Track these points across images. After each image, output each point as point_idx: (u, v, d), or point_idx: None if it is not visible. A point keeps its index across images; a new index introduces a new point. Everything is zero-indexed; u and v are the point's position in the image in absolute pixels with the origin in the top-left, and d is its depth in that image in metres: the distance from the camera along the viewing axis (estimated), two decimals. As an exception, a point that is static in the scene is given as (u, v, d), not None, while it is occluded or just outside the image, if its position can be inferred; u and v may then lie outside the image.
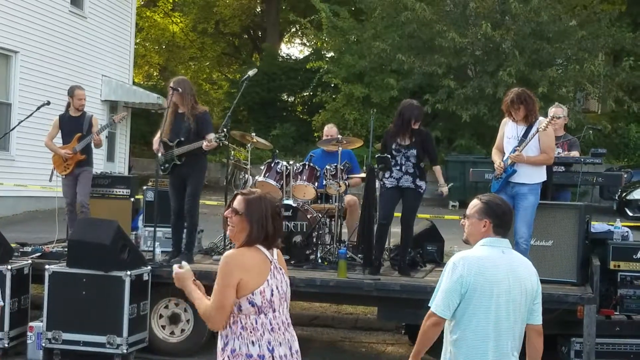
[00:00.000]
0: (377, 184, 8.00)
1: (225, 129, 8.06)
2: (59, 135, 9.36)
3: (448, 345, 3.86)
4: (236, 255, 3.65)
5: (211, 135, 7.96)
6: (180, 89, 7.99)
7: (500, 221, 3.92)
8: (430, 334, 3.83)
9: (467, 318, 3.77)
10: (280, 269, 3.75)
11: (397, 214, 8.05)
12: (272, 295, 3.65)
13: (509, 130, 7.35)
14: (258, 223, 3.66)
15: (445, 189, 8.18)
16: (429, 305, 3.86)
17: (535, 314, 3.93)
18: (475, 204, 3.98)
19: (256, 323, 3.63)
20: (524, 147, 7.16)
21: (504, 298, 3.78)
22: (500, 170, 7.28)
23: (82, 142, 9.06)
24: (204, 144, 7.92)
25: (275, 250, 3.78)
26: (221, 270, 3.60)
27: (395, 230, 8.31)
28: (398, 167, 7.81)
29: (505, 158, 7.32)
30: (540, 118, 7.31)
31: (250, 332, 3.62)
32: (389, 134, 7.96)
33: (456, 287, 3.76)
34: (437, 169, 8.19)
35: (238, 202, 3.71)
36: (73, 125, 9.17)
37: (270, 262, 3.70)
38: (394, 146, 7.83)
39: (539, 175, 7.31)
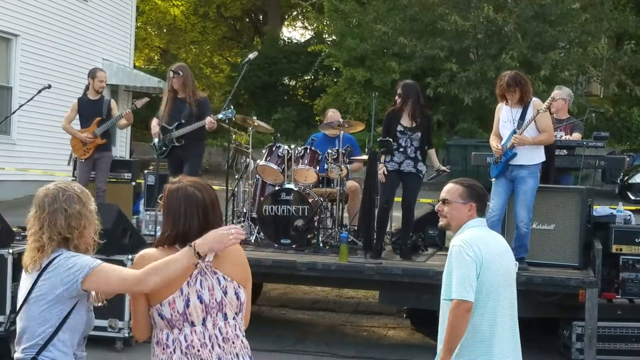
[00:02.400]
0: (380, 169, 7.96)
1: (230, 107, 8.22)
2: (75, 118, 9.34)
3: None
4: (142, 256, 3.19)
5: (218, 115, 8.17)
6: (182, 74, 8.11)
7: (483, 204, 3.98)
8: (464, 323, 3.72)
9: (484, 297, 3.75)
10: (216, 273, 3.17)
11: (398, 199, 8.04)
12: (187, 307, 3.11)
13: (504, 115, 7.32)
14: (169, 219, 3.19)
15: (446, 167, 8.22)
16: (445, 298, 3.80)
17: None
18: (455, 188, 3.96)
19: (167, 339, 3.15)
20: (524, 129, 7.12)
21: (505, 270, 3.83)
22: (499, 153, 7.25)
23: (102, 126, 9.09)
24: (208, 120, 8.07)
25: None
26: None
27: (397, 214, 8.30)
28: (402, 150, 7.78)
29: (503, 142, 7.29)
30: (535, 99, 7.27)
31: (163, 349, 3.16)
32: (390, 116, 7.91)
33: (472, 267, 3.74)
34: (432, 151, 8.16)
35: None
36: (92, 108, 9.19)
37: (196, 266, 3.14)
38: (398, 128, 7.79)
39: (538, 156, 7.27)
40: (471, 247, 3.77)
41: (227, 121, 8.49)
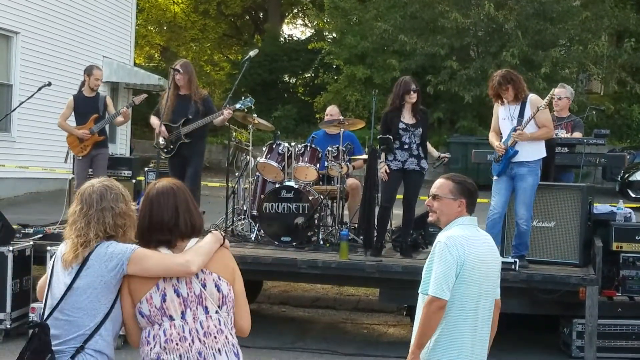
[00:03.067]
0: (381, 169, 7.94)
1: (248, 96, 8.31)
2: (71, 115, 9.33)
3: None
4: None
5: (235, 105, 8.29)
6: (186, 71, 8.15)
7: (473, 200, 3.96)
8: (435, 320, 3.73)
9: (459, 296, 3.75)
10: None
11: (399, 196, 8.03)
12: (163, 301, 3.12)
13: (502, 112, 7.32)
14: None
15: (445, 154, 8.25)
16: (422, 292, 3.81)
17: (498, 289, 3.98)
18: (446, 184, 3.94)
19: (149, 336, 3.15)
20: (524, 127, 7.11)
21: (484, 273, 3.82)
22: (501, 151, 7.23)
23: (99, 123, 9.08)
24: (226, 112, 8.14)
25: (192, 246, 3.24)
26: None
27: (397, 211, 8.30)
28: (406, 147, 7.73)
29: (503, 140, 7.27)
30: (532, 95, 7.26)
31: (144, 346, 3.16)
32: (390, 114, 7.82)
33: (452, 266, 3.73)
34: (428, 144, 8.19)
35: None
36: (88, 105, 9.18)
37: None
38: (400, 125, 7.73)
39: (539, 152, 7.26)
40: (455, 246, 3.76)
41: (246, 110, 8.56)
